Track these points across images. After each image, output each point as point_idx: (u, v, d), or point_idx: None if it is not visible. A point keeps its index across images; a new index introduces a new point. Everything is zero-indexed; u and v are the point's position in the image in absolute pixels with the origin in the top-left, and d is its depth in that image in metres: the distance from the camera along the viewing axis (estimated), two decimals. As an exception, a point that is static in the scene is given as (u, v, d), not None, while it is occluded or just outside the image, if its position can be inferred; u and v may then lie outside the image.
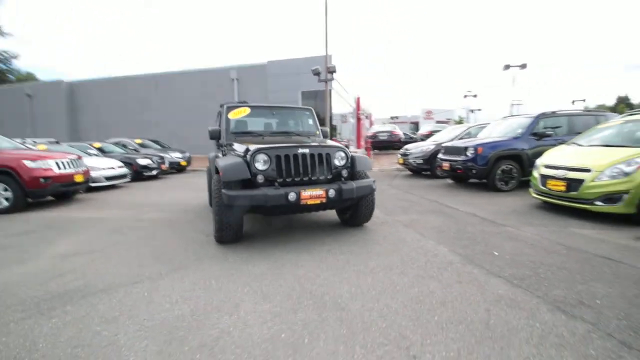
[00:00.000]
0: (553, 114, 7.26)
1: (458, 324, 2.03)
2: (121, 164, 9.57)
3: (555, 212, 4.95)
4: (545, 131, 7.01)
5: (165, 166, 12.17)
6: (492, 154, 6.78)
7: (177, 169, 13.85)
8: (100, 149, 10.84)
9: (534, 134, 6.98)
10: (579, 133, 6.16)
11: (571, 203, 4.67)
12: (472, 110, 41.15)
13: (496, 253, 3.31)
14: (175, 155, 13.81)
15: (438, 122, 39.23)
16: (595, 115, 7.48)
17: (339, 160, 3.91)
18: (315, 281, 2.73)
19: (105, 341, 1.93)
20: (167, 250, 3.66)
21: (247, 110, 5.01)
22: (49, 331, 2.05)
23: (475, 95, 36.81)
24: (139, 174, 10.51)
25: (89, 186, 7.67)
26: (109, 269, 3.12)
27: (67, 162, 6.58)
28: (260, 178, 3.55)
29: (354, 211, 4.26)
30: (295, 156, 3.68)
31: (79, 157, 7.26)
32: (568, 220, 4.47)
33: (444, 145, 8.44)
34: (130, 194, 8.16)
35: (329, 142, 4.44)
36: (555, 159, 5.13)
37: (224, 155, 4.64)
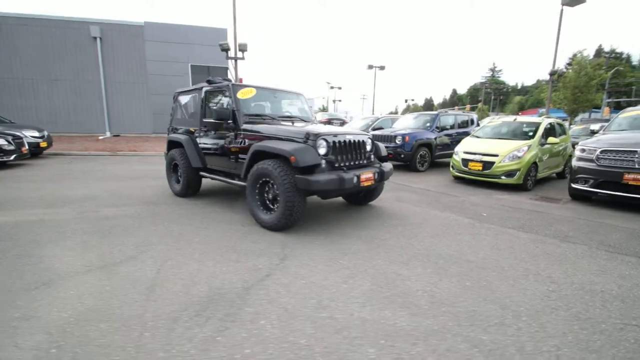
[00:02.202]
0: (446, 113, 9.68)
1: (521, 254, 3.11)
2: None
3: (470, 185, 6.94)
4: (444, 125, 9.33)
5: (25, 149, 9.05)
6: (415, 142, 8.55)
7: (32, 152, 10.42)
8: None
9: (437, 127, 9.17)
10: (460, 126, 8.59)
11: (486, 178, 6.70)
12: (334, 101, 46.11)
13: (484, 214, 4.67)
14: (32, 135, 10.32)
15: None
16: (468, 115, 10.39)
17: (369, 146, 4.44)
18: (420, 248, 3.32)
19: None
20: (240, 246, 3.39)
21: (254, 91, 4.75)
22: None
23: (340, 88, 41.19)
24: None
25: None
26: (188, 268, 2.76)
27: None
28: (324, 163, 3.72)
29: (371, 192, 4.87)
30: (345, 142, 4.00)
31: None
32: (484, 190, 6.44)
33: (373, 133, 9.83)
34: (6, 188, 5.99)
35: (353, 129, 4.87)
36: (472, 147, 7.11)
37: (236, 138, 4.34)
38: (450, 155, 9.64)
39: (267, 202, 3.90)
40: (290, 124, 4.57)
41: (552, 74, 16.48)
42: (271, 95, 5.13)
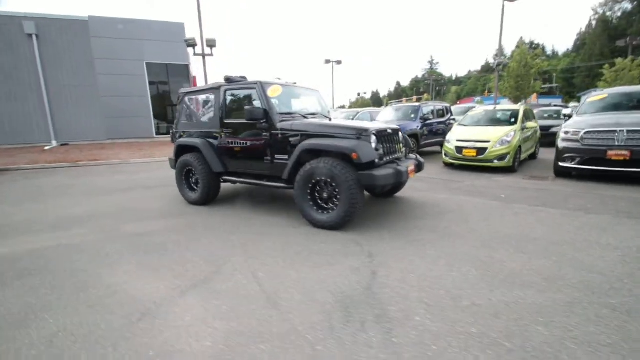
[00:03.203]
0: (426, 104, 10.20)
1: (568, 228, 3.50)
2: None
3: (463, 170, 7.45)
4: (426, 115, 9.84)
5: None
6: (405, 132, 8.90)
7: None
8: None
9: (421, 118, 9.64)
10: (439, 116, 9.22)
11: (480, 163, 7.23)
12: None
13: (503, 196, 5.08)
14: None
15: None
16: (442, 105, 11.06)
17: (402, 140, 4.57)
18: (484, 232, 3.52)
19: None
20: (316, 249, 3.29)
21: (280, 89, 4.59)
22: None
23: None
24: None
25: None
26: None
27: None
28: (378, 158, 3.75)
29: (400, 183, 5.01)
30: (386, 135, 4.09)
31: None
32: (480, 174, 6.97)
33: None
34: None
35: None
36: (463, 135, 7.61)
37: (272, 138, 4.17)
38: (434, 145, 10.26)
39: (320, 201, 3.84)
40: (319, 120, 4.51)
41: (498, 64, 18.14)
42: (294, 93, 5.01)
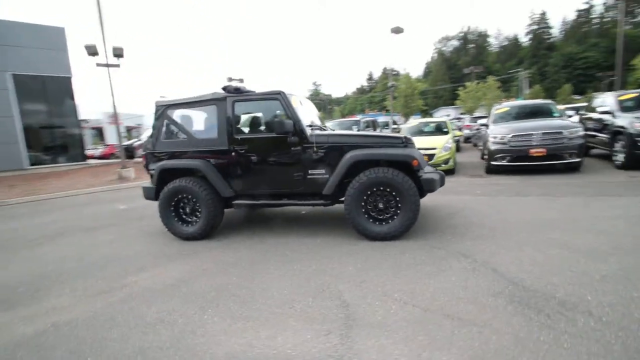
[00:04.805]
0: (362, 118, 11.02)
1: (593, 212, 4.38)
2: None
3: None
4: (363, 128, 10.62)
5: None
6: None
7: None
8: None
9: (361, 130, 10.35)
10: (369, 128, 10.22)
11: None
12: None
13: (478, 192, 5.90)
14: None
15: (128, 128, 38.94)
16: (371, 117, 12.12)
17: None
18: (514, 222, 4.01)
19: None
20: (404, 260, 3.13)
21: (298, 100, 4.27)
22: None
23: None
24: None
25: None
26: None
27: None
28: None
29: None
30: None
31: None
32: (435, 177, 7.92)
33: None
34: None
35: None
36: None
37: (304, 153, 3.85)
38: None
39: (373, 212, 3.71)
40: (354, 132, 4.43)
41: (391, 86, 21.01)
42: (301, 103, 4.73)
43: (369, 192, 3.64)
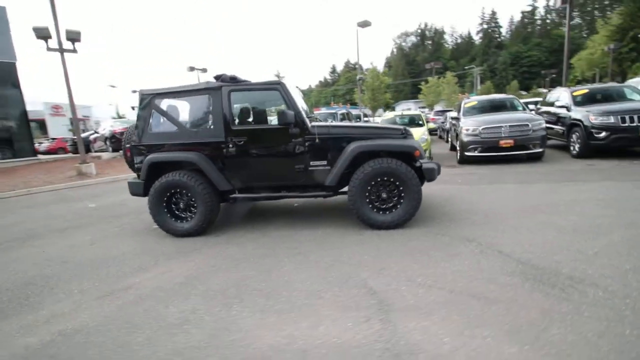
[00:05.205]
0: (340, 109, 11.07)
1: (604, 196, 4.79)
2: None
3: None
4: (340, 119, 10.70)
5: None
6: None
7: None
8: None
9: (338, 121, 10.42)
10: (347, 119, 10.41)
11: (409, 159, 8.51)
12: (133, 107, 39.39)
13: (459, 181, 6.22)
14: None
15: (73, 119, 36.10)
16: (347, 111, 12.22)
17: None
18: (507, 208, 4.30)
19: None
20: (420, 247, 3.23)
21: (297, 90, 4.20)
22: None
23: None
24: None
25: None
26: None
27: None
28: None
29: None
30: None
31: None
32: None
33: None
34: None
35: None
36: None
37: (306, 144, 3.81)
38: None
39: (376, 202, 3.78)
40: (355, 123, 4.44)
41: (359, 79, 21.27)
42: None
43: (372, 183, 3.70)
